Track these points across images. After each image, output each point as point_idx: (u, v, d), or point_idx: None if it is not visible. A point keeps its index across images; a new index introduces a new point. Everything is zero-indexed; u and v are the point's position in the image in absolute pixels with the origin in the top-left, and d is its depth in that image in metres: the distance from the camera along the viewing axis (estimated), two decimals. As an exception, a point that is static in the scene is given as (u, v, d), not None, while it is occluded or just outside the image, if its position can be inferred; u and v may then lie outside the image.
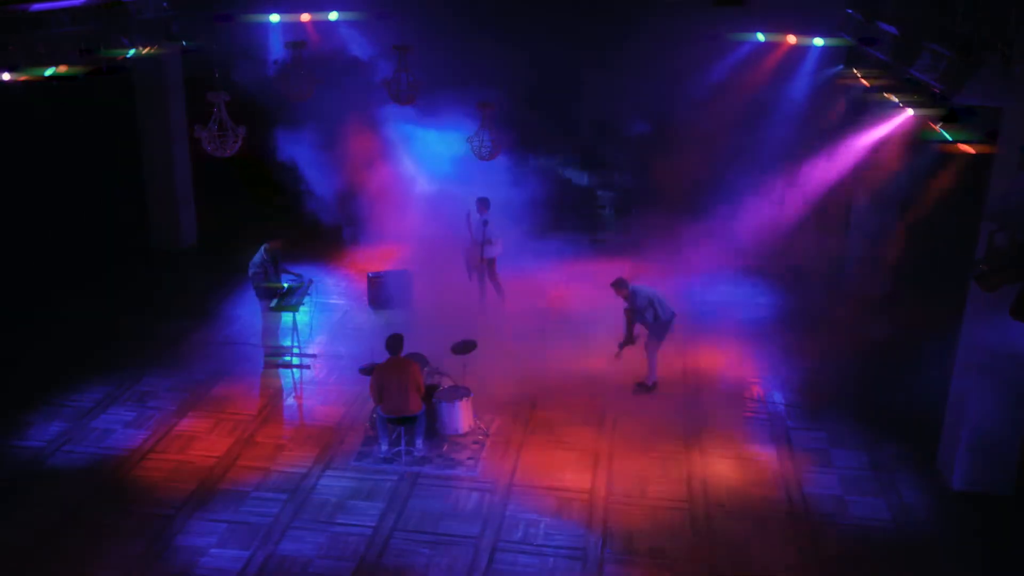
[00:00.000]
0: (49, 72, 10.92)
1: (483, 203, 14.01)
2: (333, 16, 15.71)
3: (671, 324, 12.04)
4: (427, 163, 15.55)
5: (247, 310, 14.08)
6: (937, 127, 9.10)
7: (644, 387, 12.12)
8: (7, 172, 16.34)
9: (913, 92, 10.09)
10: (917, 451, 10.83)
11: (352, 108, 15.48)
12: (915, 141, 12.49)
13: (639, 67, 15.47)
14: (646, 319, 11.90)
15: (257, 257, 12.45)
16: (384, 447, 10.48)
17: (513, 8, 15.35)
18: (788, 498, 10.01)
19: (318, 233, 16.63)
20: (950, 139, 8.97)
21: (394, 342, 10.47)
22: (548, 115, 17.06)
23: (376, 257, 15.79)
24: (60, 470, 10.21)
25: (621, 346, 12.06)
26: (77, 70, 11.32)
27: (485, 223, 13.85)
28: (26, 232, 16.11)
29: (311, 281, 13.04)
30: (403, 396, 10.28)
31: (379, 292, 14.46)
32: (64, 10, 11.31)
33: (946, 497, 10.11)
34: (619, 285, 12.00)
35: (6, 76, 10.11)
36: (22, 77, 10.50)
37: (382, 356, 10.68)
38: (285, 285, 12.54)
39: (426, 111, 14.52)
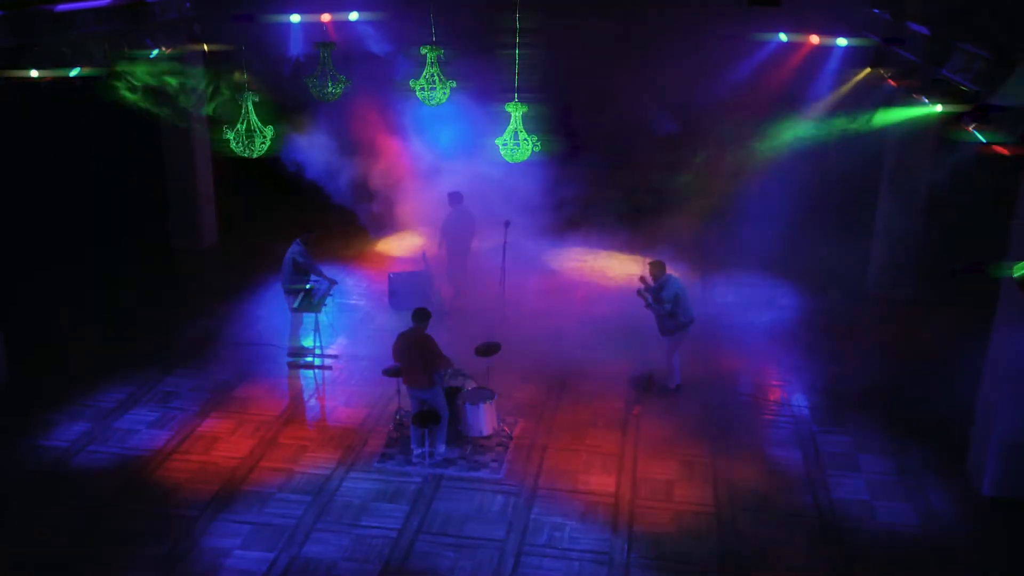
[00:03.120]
0: (74, 72, 10.94)
1: (456, 197, 14.35)
2: (354, 16, 15.73)
3: (688, 328, 11.93)
4: (451, 162, 15.51)
5: (269, 310, 14.09)
6: (969, 128, 8.96)
7: (667, 390, 12.03)
8: (31, 172, 16.43)
9: (944, 93, 9.96)
10: (945, 456, 10.71)
11: (375, 105, 15.47)
12: (944, 142, 12.37)
13: (667, 67, 15.42)
14: (663, 310, 11.71)
15: (299, 247, 12.44)
16: (416, 449, 10.45)
17: (538, 5, 15.27)
18: (815, 503, 9.91)
19: (339, 233, 16.67)
20: (983, 140, 8.83)
21: (417, 312, 10.44)
22: (576, 114, 17.05)
23: (397, 255, 15.78)
24: (84, 470, 10.22)
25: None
26: (101, 70, 11.33)
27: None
28: (47, 231, 16.20)
29: (334, 282, 13.02)
30: (408, 367, 10.32)
31: (399, 292, 14.43)
32: (89, 11, 11.33)
33: (976, 503, 9.99)
34: (657, 266, 11.93)
35: (34, 73, 10.13)
36: (47, 76, 10.52)
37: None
38: (308, 285, 12.54)
39: (452, 111, 14.45)
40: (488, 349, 11.28)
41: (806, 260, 15.46)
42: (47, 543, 8.98)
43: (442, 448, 10.43)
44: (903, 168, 14.16)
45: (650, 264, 12.05)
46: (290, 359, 12.71)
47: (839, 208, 15.71)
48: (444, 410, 10.42)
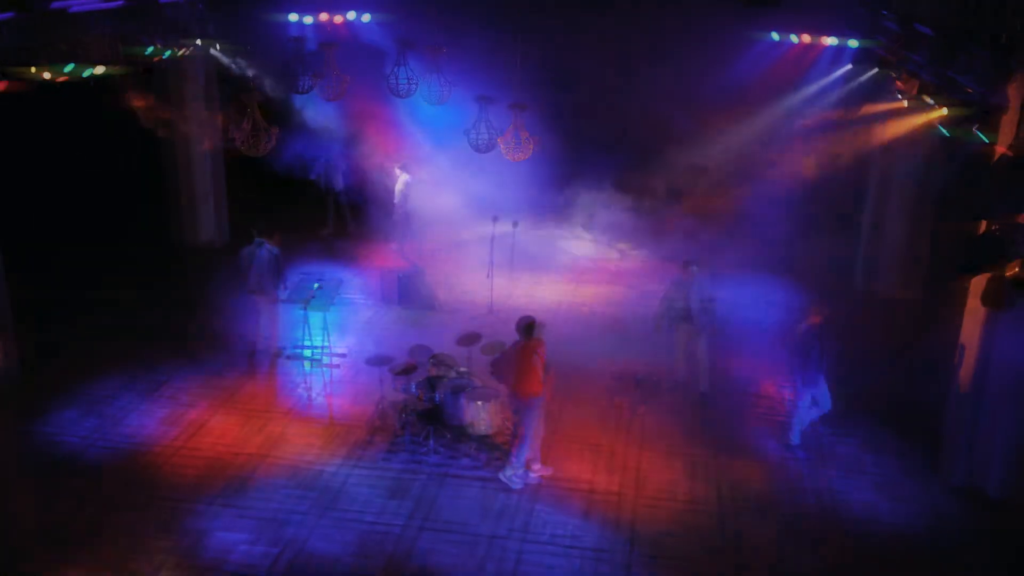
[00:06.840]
0: (86, 73, 11.06)
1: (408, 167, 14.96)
2: (366, 18, 15.83)
3: None
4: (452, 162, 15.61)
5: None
6: (973, 129, 8.96)
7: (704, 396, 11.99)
8: (40, 169, 16.58)
9: (949, 93, 9.95)
10: (951, 458, 10.64)
11: (377, 102, 15.57)
12: (948, 142, 12.33)
13: (669, 69, 15.46)
14: (712, 308, 11.67)
15: (272, 250, 12.48)
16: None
17: (541, 10, 15.36)
18: (819, 503, 9.91)
19: (345, 230, 16.75)
20: (986, 141, 8.83)
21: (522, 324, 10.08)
22: (579, 117, 17.09)
23: (402, 254, 15.85)
24: (91, 464, 10.32)
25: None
26: (113, 70, 11.46)
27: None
28: (56, 229, 16.34)
29: (340, 281, 13.09)
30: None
31: (406, 290, 14.52)
32: (100, 11, 11.46)
33: (981, 505, 9.94)
34: (688, 264, 11.76)
35: (47, 75, 10.26)
36: (59, 77, 10.65)
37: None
38: (316, 284, 12.63)
39: (455, 109, 14.53)
40: (492, 348, 11.30)
41: (807, 260, 15.44)
42: (55, 536, 9.08)
43: (509, 470, 10.06)
44: (902, 168, 14.13)
45: (683, 265, 11.85)
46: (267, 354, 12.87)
47: (838, 208, 15.69)
48: (526, 428, 10.05)
